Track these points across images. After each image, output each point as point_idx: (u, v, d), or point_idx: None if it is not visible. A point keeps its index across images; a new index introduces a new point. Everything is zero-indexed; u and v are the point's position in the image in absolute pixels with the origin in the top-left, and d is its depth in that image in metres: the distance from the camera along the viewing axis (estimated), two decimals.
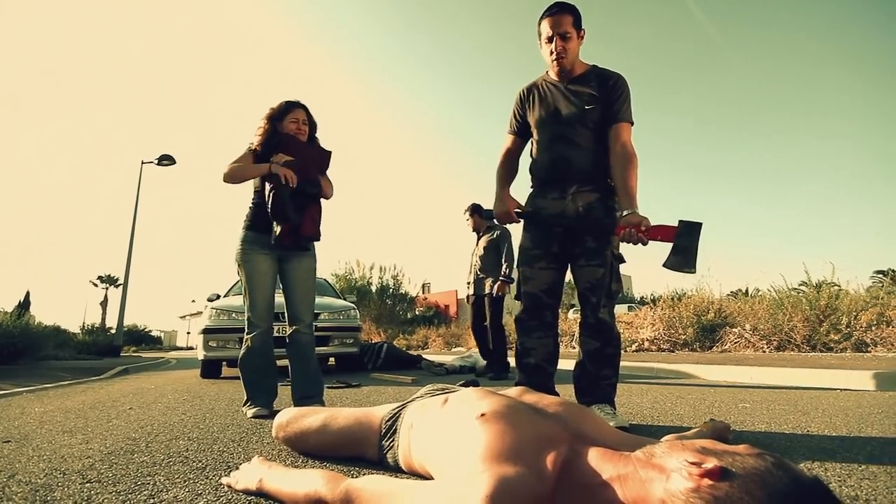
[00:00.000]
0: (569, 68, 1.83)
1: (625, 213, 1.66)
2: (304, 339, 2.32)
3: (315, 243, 2.42)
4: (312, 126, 2.42)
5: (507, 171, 2.00)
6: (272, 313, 2.32)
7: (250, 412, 2.14)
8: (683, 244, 1.62)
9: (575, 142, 1.82)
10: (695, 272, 1.64)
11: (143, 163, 11.63)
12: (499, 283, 4.18)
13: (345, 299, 6.06)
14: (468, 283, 4.53)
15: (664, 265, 1.65)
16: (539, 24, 1.84)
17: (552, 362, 1.88)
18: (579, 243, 1.80)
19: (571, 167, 1.83)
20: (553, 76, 1.90)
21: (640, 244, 1.63)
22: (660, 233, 1.64)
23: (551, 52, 1.81)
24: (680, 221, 1.64)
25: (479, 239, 4.47)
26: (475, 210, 4.50)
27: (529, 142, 2.00)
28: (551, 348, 1.87)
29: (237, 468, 1.16)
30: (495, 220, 1.99)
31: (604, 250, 1.77)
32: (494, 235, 4.30)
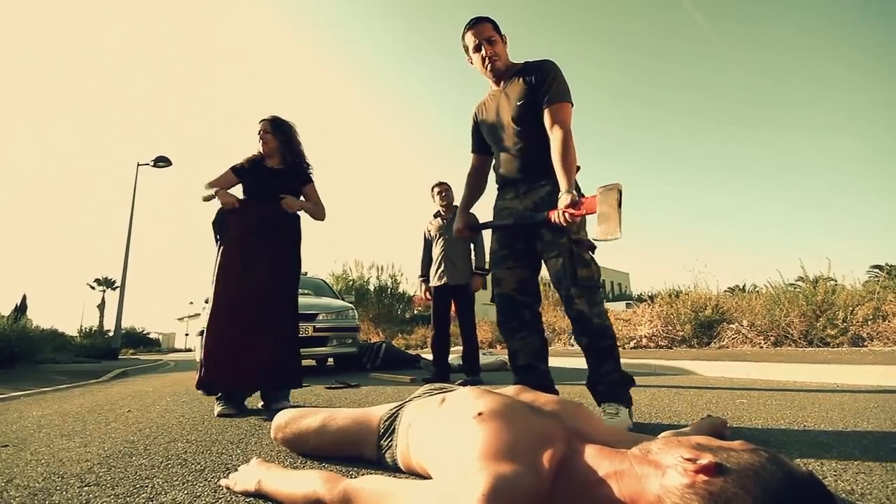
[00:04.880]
0: (503, 69, 1.88)
1: (559, 196, 1.63)
2: None
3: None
4: (279, 133, 2.54)
5: (470, 189, 2.11)
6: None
7: (217, 409, 2.25)
8: (604, 210, 1.56)
9: (518, 141, 1.83)
10: (619, 237, 1.54)
11: (139, 165, 11.60)
12: (475, 279, 3.77)
13: (343, 300, 6.06)
14: (436, 274, 3.81)
15: (593, 238, 1.63)
16: (463, 40, 1.91)
17: (542, 359, 1.85)
18: (539, 238, 1.79)
19: (520, 166, 1.84)
20: (493, 86, 1.95)
21: (571, 224, 1.61)
22: (585, 207, 1.60)
23: (483, 60, 1.86)
24: (598, 188, 1.59)
25: (447, 222, 3.83)
26: (450, 189, 3.93)
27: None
28: (538, 346, 1.85)
29: (236, 470, 1.16)
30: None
31: (558, 240, 1.73)
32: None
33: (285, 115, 2.63)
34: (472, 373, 3.67)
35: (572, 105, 1.78)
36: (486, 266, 3.80)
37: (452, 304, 3.84)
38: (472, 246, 3.86)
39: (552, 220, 1.63)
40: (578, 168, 1.81)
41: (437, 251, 3.86)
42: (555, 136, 1.71)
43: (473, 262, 3.83)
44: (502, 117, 1.87)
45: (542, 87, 1.77)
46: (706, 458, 0.60)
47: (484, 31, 1.85)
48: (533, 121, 1.79)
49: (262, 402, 2.42)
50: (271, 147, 2.53)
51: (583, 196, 1.64)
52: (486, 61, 1.86)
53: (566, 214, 1.59)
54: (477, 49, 1.86)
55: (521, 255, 1.85)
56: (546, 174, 1.78)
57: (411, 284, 17.86)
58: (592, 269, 1.74)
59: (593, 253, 1.78)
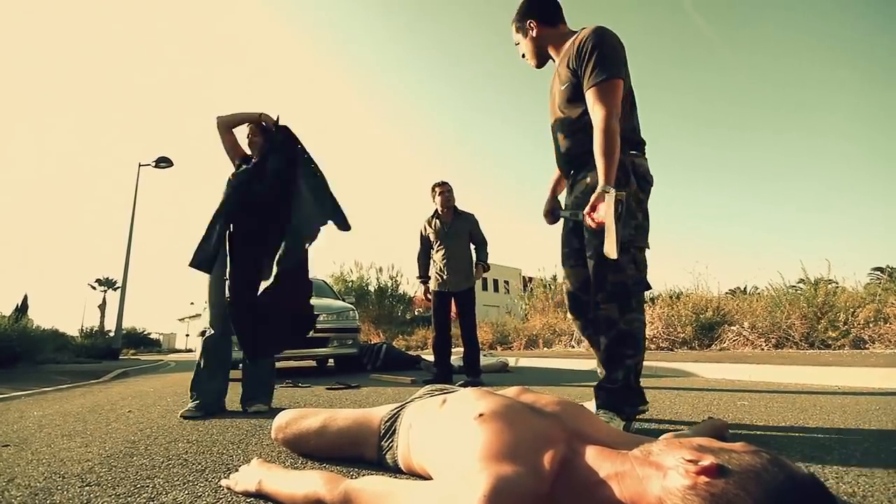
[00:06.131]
0: (544, 57, 1.84)
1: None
2: None
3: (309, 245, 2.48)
4: (265, 136, 2.47)
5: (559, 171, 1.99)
6: (224, 318, 2.38)
7: (183, 409, 2.24)
8: (607, 223, 1.42)
9: (562, 128, 1.75)
10: (614, 258, 1.41)
11: (140, 165, 11.62)
12: (478, 269, 3.76)
13: (343, 300, 6.06)
14: (436, 279, 3.77)
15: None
16: None
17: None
18: (584, 236, 1.71)
19: (564, 159, 1.78)
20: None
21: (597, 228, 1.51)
22: (603, 211, 1.46)
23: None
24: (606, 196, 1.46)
25: (448, 227, 3.79)
26: (450, 190, 3.80)
27: None
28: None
29: (236, 470, 1.16)
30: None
31: (592, 241, 1.63)
32: (464, 222, 3.79)
33: (285, 114, 2.62)
34: (472, 374, 3.66)
35: (621, 78, 1.58)
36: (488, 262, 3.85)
37: (453, 306, 3.82)
38: (472, 247, 3.85)
39: (585, 222, 1.55)
40: (641, 143, 1.69)
41: (437, 256, 3.81)
42: (593, 123, 1.56)
43: (483, 256, 3.82)
44: (553, 104, 1.80)
45: (582, 66, 1.60)
46: (708, 460, 0.60)
47: (512, 35, 1.88)
48: (576, 107, 1.67)
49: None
50: (258, 147, 2.47)
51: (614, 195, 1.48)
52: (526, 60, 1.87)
53: (588, 218, 1.50)
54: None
55: (579, 254, 1.79)
56: (586, 166, 1.67)
57: (412, 285, 17.86)
58: (627, 274, 1.60)
59: (638, 251, 1.64)
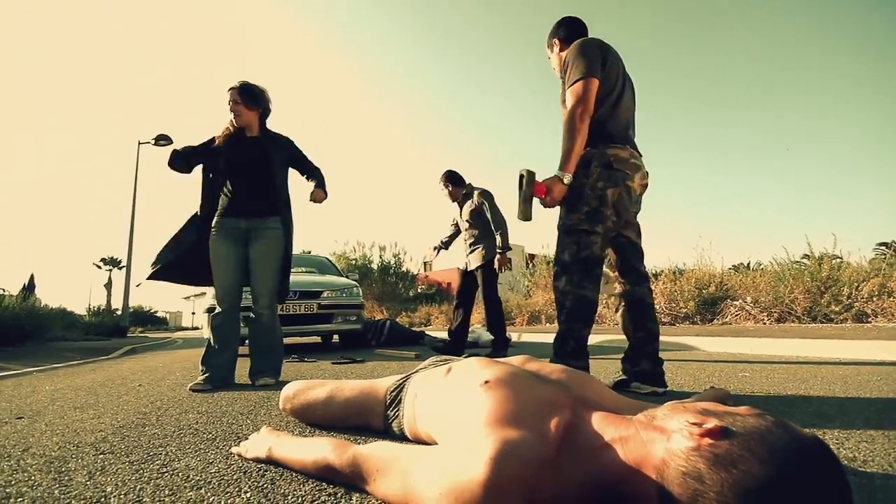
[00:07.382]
0: (563, 74, 1.98)
1: None
2: (261, 318, 2.45)
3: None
4: (248, 101, 2.41)
5: None
6: (232, 295, 2.44)
7: (192, 383, 2.30)
8: (523, 194, 1.73)
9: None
10: (526, 220, 1.74)
11: (140, 143, 11.54)
12: (499, 257, 3.86)
13: (347, 277, 6.09)
14: (464, 259, 4.05)
15: None
16: None
17: (628, 334, 1.94)
18: None
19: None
20: None
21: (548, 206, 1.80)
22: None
23: None
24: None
25: (461, 209, 4.04)
26: (449, 178, 4.06)
27: None
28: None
29: (246, 438, 1.19)
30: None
31: (560, 221, 1.86)
32: (475, 201, 3.93)
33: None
34: (497, 345, 3.82)
35: (594, 77, 1.74)
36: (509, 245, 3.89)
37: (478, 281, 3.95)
38: (491, 227, 3.88)
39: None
40: (617, 136, 1.82)
41: (460, 238, 4.16)
42: None
43: (499, 240, 3.86)
44: None
45: (564, 74, 1.83)
46: (712, 422, 0.61)
47: (546, 49, 2.10)
48: (564, 108, 1.86)
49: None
50: (240, 119, 2.43)
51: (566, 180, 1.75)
52: None
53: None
54: None
55: None
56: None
57: (415, 263, 17.91)
58: (568, 252, 1.79)
59: (584, 234, 1.77)
